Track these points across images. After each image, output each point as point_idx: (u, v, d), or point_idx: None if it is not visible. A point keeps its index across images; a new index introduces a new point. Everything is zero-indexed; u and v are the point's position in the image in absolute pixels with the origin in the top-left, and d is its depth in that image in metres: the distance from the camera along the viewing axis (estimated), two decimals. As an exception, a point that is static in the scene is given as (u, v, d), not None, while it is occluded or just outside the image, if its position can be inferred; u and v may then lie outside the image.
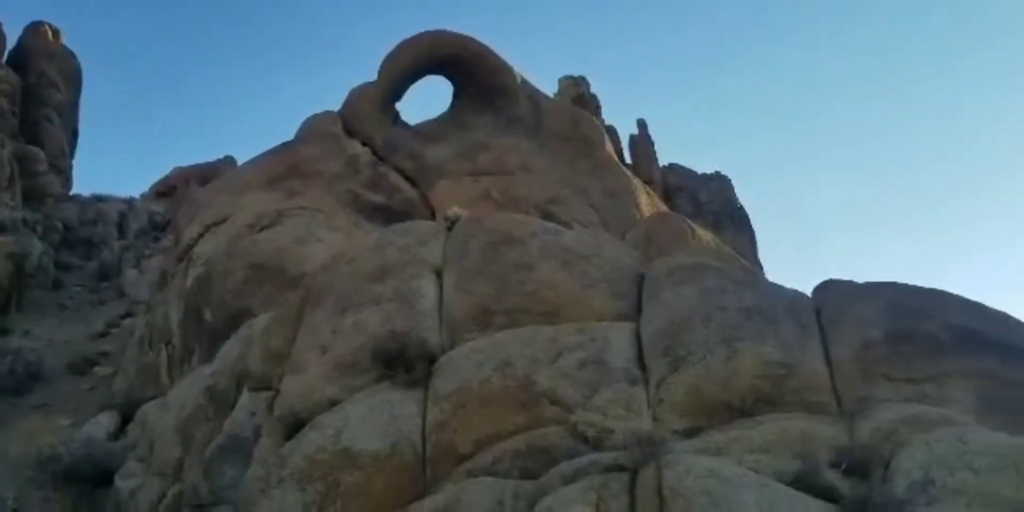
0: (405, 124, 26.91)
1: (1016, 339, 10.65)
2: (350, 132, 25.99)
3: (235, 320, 17.64)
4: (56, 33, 57.10)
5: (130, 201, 53.71)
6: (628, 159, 30.94)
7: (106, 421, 21.61)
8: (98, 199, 52.39)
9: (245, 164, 27.80)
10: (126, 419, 21.52)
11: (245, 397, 14.22)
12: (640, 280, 12.97)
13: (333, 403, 11.87)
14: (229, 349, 16.45)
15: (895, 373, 10.24)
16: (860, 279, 12.15)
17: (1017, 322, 11.08)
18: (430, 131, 26.46)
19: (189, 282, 21.24)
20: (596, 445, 9.76)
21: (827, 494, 7.98)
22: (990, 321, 10.96)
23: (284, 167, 24.50)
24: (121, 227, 49.08)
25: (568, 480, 8.47)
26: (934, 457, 7.97)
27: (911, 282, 11.79)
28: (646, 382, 10.82)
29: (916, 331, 10.58)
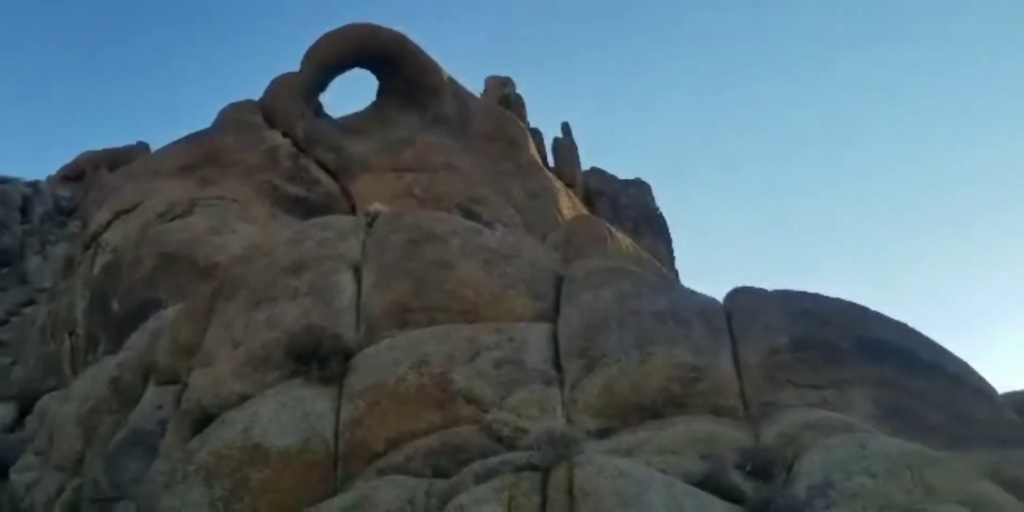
0: (328, 117, 26.57)
1: (914, 348, 11.16)
2: (270, 122, 25.54)
3: (143, 310, 17.18)
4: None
5: (35, 184, 51.52)
6: (551, 162, 31.14)
7: (2, 412, 20.86)
8: (1, 181, 50.11)
9: (159, 150, 27.06)
10: (24, 411, 20.78)
11: (151, 390, 13.85)
12: (559, 282, 13.10)
13: (243, 398, 11.64)
14: (136, 340, 16.01)
15: (799, 379, 10.61)
16: (773, 287, 12.56)
17: (915, 332, 11.61)
18: (354, 125, 26.20)
19: (96, 270, 20.62)
20: (510, 444, 9.82)
21: (732, 495, 8.21)
22: (891, 330, 11.47)
23: (199, 155, 23.94)
24: (25, 211, 46.94)
25: (481, 479, 8.50)
26: (834, 461, 8.28)
27: (820, 290, 12.28)
28: (561, 383, 10.95)
29: (820, 339, 10.99)
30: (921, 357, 11.01)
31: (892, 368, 10.62)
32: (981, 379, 11.34)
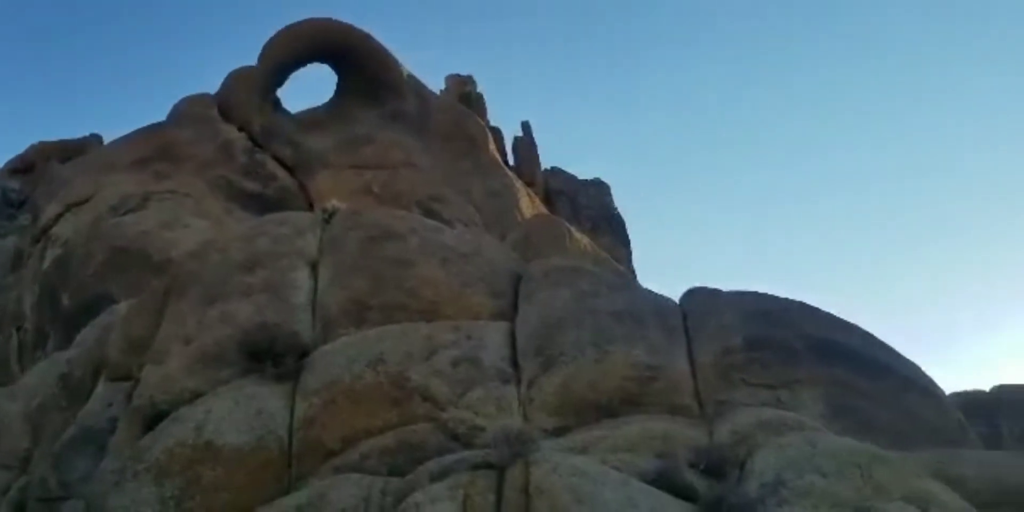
0: (286, 112, 26.31)
1: (865, 350, 11.38)
2: (226, 116, 25.20)
3: (94, 305, 16.90)
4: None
5: (-18, 176, 50.35)
6: (511, 161, 31.17)
7: (-56, 409, 20.22)
8: (-54, 172, 48.85)
9: (112, 143, 26.55)
10: (-33, 408, 20.20)
11: (102, 386, 13.60)
12: (518, 280, 13.13)
13: (196, 395, 11.50)
14: (87, 336, 15.73)
15: (753, 378, 10.77)
16: (729, 287, 12.71)
17: (866, 333, 11.84)
18: (312, 120, 25.98)
19: (46, 264, 20.23)
20: (466, 443, 9.83)
21: (685, 493, 8.30)
22: (842, 331, 11.68)
23: (153, 148, 23.56)
24: (-29, 203, 45.90)
25: (436, 477, 8.49)
26: (785, 460, 8.42)
27: (776, 291, 12.47)
28: (518, 381, 10.98)
29: (774, 339, 11.16)
30: (871, 358, 11.23)
31: (843, 368, 10.82)
32: (929, 380, 11.61)
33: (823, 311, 12.06)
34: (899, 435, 9.96)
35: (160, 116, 25.84)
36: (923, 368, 11.71)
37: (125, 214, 20.21)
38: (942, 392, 11.94)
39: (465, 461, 8.64)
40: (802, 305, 12.10)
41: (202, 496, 10.02)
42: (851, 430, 9.66)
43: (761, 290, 12.40)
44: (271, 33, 25.79)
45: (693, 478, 8.51)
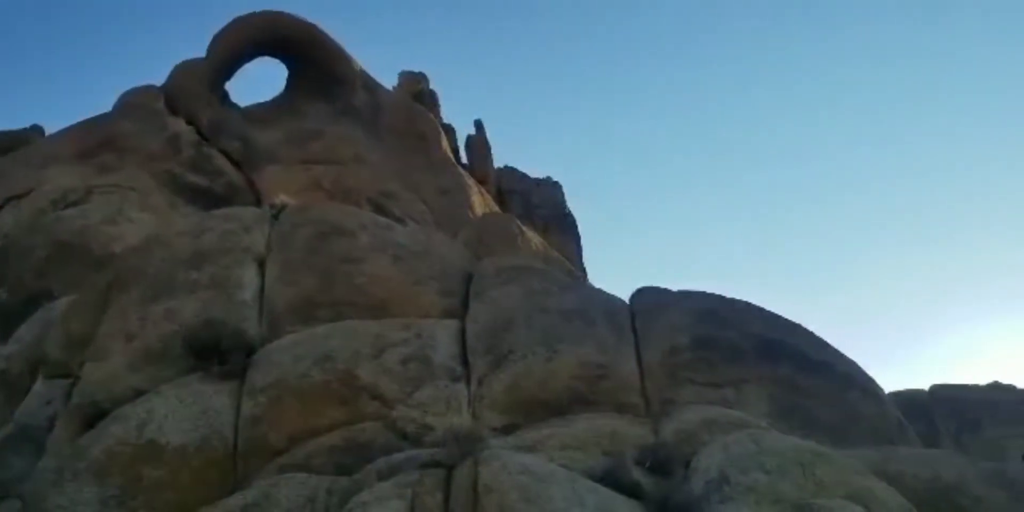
0: (234, 105, 25.88)
1: (809, 349, 11.61)
2: (173, 109, 24.69)
3: (33, 300, 16.46)
4: None
5: (-85, 166, 48.76)
6: (464, 159, 31.12)
7: None
8: None
9: (54, 135, 25.85)
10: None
11: (40, 384, 13.25)
12: (469, 279, 13.12)
13: (138, 393, 11.29)
14: (25, 332, 15.33)
15: (699, 377, 10.92)
16: (679, 287, 12.86)
17: (810, 333, 12.08)
18: (261, 115, 25.60)
19: (-18, 258, 19.58)
20: (415, 441, 9.81)
21: (632, 490, 8.39)
22: (787, 331, 11.89)
23: (97, 140, 23.00)
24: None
25: (384, 476, 8.45)
26: (730, 458, 8.54)
27: (724, 290, 12.66)
28: (468, 379, 10.98)
29: (720, 338, 11.32)
30: (814, 357, 11.45)
31: (788, 368, 11.02)
32: (869, 379, 11.88)
33: (768, 311, 12.27)
34: (841, 433, 10.18)
35: (104, 108, 25.27)
36: (863, 367, 12.02)
37: (67, 208, 19.73)
38: (882, 391, 12.24)
39: (414, 460, 8.61)
40: (748, 305, 12.30)
41: (144, 496, 9.85)
42: (795, 428, 9.84)
43: (709, 289, 12.60)
44: (221, 25, 25.36)
45: (640, 476, 8.60)
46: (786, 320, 12.10)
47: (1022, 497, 9.03)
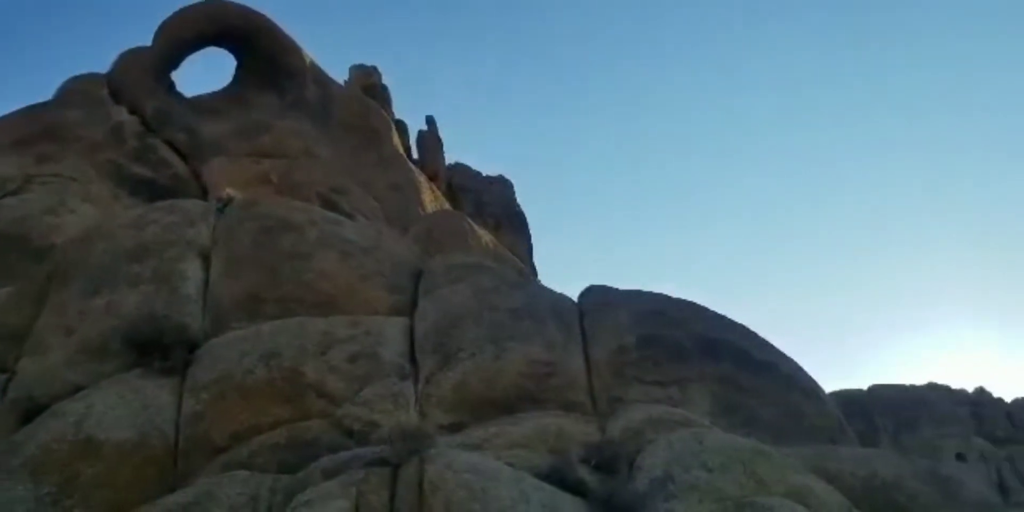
0: (180, 95, 25.36)
1: (752, 349, 11.79)
2: (117, 98, 24.10)
3: (-33, 293, 15.92)
4: None
5: None
6: (415, 155, 30.96)
7: None
8: None
9: (-9, 122, 25.11)
10: None
11: (-27, 379, 12.89)
12: (418, 275, 13.06)
13: (77, 389, 11.03)
14: (-43, 325, 14.84)
15: (645, 376, 11.02)
16: (628, 286, 12.95)
17: (753, 333, 12.26)
18: (208, 105, 25.11)
19: (-86, 248, 18.92)
20: (361, 439, 9.73)
21: (577, 488, 8.44)
22: (731, 331, 12.06)
23: (37, 129, 22.32)
24: None
25: (329, 474, 8.37)
26: (673, 455, 8.65)
27: (671, 290, 12.80)
28: (416, 377, 10.93)
29: (665, 337, 11.44)
30: (757, 357, 11.63)
31: (730, 367, 11.18)
32: (810, 379, 12.11)
33: (712, 311, 12.44)
34: (782, 431, 10.36)
35: (45, 95, 24.60)
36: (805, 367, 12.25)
37: (4, 197, 19.15)
38: (822, 390, 12.48)
39: (359, 458, 8.55)
40: (692, 305, 12.45)
41: (81, 494, 9.61)
42: (737, 426, 10.00)
43: (657, 289, 12.73)
44: (168, 13, 24.83)
45: (585, 474, 8.66)
46: (730, 320, 12.27)
47: (956, 494, 9.32)
